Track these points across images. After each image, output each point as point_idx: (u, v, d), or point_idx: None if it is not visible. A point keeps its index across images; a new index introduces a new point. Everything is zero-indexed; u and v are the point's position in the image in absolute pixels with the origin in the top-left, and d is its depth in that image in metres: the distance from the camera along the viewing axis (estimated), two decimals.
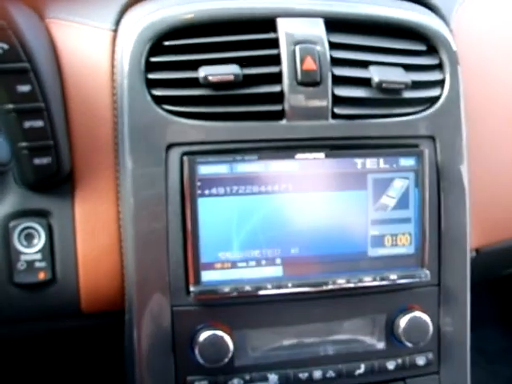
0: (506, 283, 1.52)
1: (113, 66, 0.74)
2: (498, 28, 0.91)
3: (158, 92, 0.73)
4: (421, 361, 0.81)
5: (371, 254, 0.77)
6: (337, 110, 0.76)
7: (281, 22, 0.75)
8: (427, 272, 0.78)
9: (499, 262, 1.00)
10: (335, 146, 0.76)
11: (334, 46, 0.76)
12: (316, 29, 0.76)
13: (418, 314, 0.78)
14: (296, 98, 0.74)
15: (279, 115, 0.74)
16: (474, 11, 0.90)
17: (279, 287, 0.74)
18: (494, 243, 0.89)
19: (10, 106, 0.66)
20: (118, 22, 0.76)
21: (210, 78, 0.72)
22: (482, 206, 0.85)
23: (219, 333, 0.73)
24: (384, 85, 0.76)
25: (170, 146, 0.72)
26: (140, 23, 0.73)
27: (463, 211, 0.81)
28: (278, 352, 0.77)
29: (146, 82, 0.72)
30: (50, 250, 0.73)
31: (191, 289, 0.73)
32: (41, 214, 0.73)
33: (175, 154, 0.73)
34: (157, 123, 0.72)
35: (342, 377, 0.78)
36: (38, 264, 0.72)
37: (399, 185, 0.77)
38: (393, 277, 0.76)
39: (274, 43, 0.75)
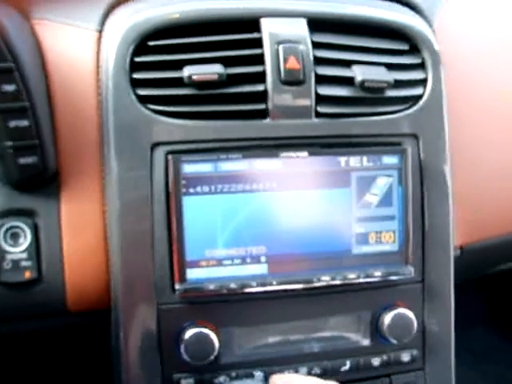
0: (493, 283, 1.53)
1: (98, 66, 0.75)
2: (481, 28, 0.92)
3: (142, 91, 0.73)
4: (406, 357, 0.81)
5: (356, 252, 0.77)
6: (320, 109, 0.76)
7: (264, 22, 0.76)
8: (411, 269, 0.78)
9: (484, 260, 1.01)
10: (319, 145, 0.77)
11: (317, 45, 0.77)
12: (299, 28, 0.76)
13: (402, 310, 0.79)
14: (280, 97, 0.75)
15: (263, 114, 0.75)
16: (457, 11, 0.91)
17: (264, 285, 0.74)
18: (477, 241, 0.90)
19: None
20: (103, 23, 0.77)
21: (194, 77, 0.72)
22: (465, 204, 0.86)
23: (205, 330, 0.73)
24: (367, 84, 0.76)
25: (154, 145, 0.73)
26: (125, 23, 0.74)
27: (446, 209, 0.82)
28: (263, 349, 0.78)
29: (130, 82, 0.73)
30: (35, 249, 0.73)
31: (176, 287, 0.73)
32: (26, 214, 0.73)
33: (160, 153, 0.73)
34: (141, 122, 0.73)
35: (327, 373, 0.78)
36: (23, 263, 0.72)
37: (383, 182, 0.77)
38: (377, 274, 0.77)
39: (258, 43, 0.75)
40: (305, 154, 0.75)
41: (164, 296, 0.74)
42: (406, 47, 0.81)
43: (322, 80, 0.76)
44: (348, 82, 0.77)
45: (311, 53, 0.76)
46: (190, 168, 0.72)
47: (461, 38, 0.89)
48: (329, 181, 0.76)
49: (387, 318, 0.78)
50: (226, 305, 0.76)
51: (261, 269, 0.75)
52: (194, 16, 0.75)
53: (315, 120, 0.76)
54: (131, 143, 0.73)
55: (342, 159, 0.76)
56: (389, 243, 0.78)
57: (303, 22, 0.77)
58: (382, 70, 0.78)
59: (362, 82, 0.76)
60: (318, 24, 0.78)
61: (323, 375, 0.78)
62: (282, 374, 0.71)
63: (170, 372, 0.75)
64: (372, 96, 0.78)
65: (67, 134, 0.73)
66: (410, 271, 0.78)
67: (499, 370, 1.50)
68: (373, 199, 0.77)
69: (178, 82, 0.73)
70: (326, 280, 0.76)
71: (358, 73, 0.77)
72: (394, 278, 0.78)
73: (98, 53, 0.75)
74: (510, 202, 0.91)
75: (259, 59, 0.75)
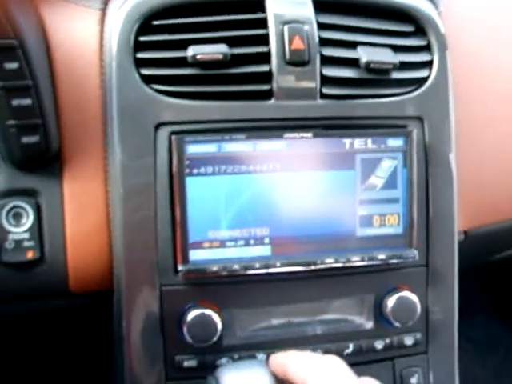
0: (494, 271, 1.53)
1: (101, 46, 0.74)
2: (487, 11, 0.91)
3: (146, 71, 0.72)
4: (409, 341, 0.81)
5: (359, 234, 0.77)
6: (325, 90, 0.76)
7: (269, 2, 0.75)
8: (415, 252, 0.78)
9: (488, 246, 1.01)
10: (323, 126, 0.76)
11: (322, 26, 0.76)
12: (304, 9, 0.76)
13: (405, 293, 0.79)
14: (284, 78, 0.74)
15: (267, 95, 0.75)
16: None
17: (267, 267, 0.74)
18: (482, 226, 0.90)
19: None
20: (106, 2, 0.76)
21: (199, 57, 0.72)
22: (469, 188, 0.86)
23: (207, 312, 0.73)
24: (372, 65, 0.76)
25: (158, 126, 0.72)
26: (128, 2, 0.73)
27: (451, 192, 0.81)
28: (266, 331, 0.78)
29: (134, 62, 0.72)
30: (38, 229, 0.72)
31: (179, 268, 0.73)
32: (29, 194, 0.72)
33: (164, 133, 0.73)
34: (145, 102, 0.72)
35: None
36: (26, 243, 0.72)
37: (387, 165, 0.77)
38: (381, 257, 0.77)
39: (263, 23, 0.75)
40: (309, 135, 0.75)
41: (167, 277, 0.74)
42: (411, 29, 0.81)
43: (327, 61, 0.76)
44: (353, 63, 0.77)
45: (316, 34, 0.75)
46: (193, 148, 0.72)
47: (467, 21, 0.89)
48: (333, 163, 0.75)
49: (391, 301, 0.78)
50: (228, 286, 0.75)
51: (264, 250, 0.75)
52: None
53: (320, 101, 0.76)
54: (135, 123, 0.72)
55: (347, 141, 0.75)
56: (393, 226, 0.78)
57: (309, 2, 0.76)
58: (388, 51, 0.78)
59: (368, 64, 0.76)
60: (323, 5, 0.77)
61: None
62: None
63: (173, 353, 0.75)
64: (377, 78, 0.78)
65: (70, 113, 0.73)
66: (414, 254, 0.78)
67: (499, 359, 1.51)
68: (377, 182, 0.77)
69: (183, 62, 0.72)
70: (329, 262, 0.76)
71: (364, 54, 0.76)
72: (397, 261, 0.78)
73: (101, 32, 0.75)
74: None
75: (264, 39, 0.75)
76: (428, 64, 0.81)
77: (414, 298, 0.79)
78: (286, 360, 0.67)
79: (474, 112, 0.87)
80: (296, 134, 0.74)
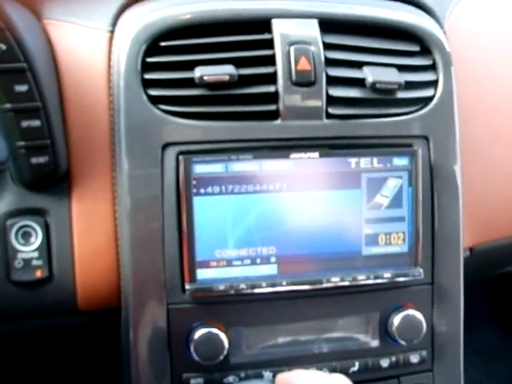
0: (502, 283, 1.52)
1: (109, 67, 0.75)
2: (492, 30, 0.91)
3: (154, 92, 0.73)
4: (414, 359, 0.81)
5: (365, 253, 0.77)
6: (331, 110, 0.76)
7: (276, 23, 0.76)
8: (421, 270, 0.78)
9: (493, 261, 1.01)
10: (329, 146, 0.77)
11: (328, 46, 0.77)
12: (310, 30, 0.76)
13: (411, 312, 0.79)
14: (291, 98, 0.75)
15: (274, 115, 0.75)
16: (468, 13, 0.91)
17: (274, 285, 0.75)
18: (487, 242, 0.90)
19: (8, 105, 0.66)
20: (114, 23, 0.77)
21: (206, 77, 0.72)
22: (475, 206, 0.86)
23: (214, 330, 0.74)
24: (378, 85, 0.76)
25: (165, 146, 0.73)
26: (136, 24, 0.74)
27: (456, 210, 0.82)
28: (272, 350, 0.78)
29: (142, 82, 0.73)
30: (46, 248, 0.73)
31: (187, 287, 0.73)
32: (38, 213, 0.73)
33: (171, 153, 0.73)
34: (153, 123, 0.73)
35: None
36: (34, 262, 0.73)
37: (393, 184, 0.77)
38: (387, 275, 0.77)
39: (269, 44, 0.75)
40: (315, 154, 0.75)
41: (174, 296, 0.74)
42: (417, 48, 0.81)
43: (333, 81, 0.76)
44: (359, 83, 0.77)
45: (322, 54, 0.76)
46: (200, 168, 0.73)
47: (472, 40, 0.89)
48: (339, 182, 0.76)
49: (396, 320, 0.79)
50: (235, 305, 0.76)
51: (271, 269, 0.75)
52: (205, 16, 0.75)
53: (326, 121, 0.76)
54: (142, 143, 0.73)
55: (353, 160, 0.76)
56: (398, 244, 0.78)
57: (315, 23, 0.77)
58: (393, 71, 0.78)
59: (373, 84, 0.76)
60: (329, 25, 0.78)
61: None
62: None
63: (180, 372, 0.76)
64: (383, 97, 0.78)
65: (79, 133, 0.74)
66: (420, 273, 0.78)
67: (506, 370, 1.50)
68: (383, 200, 0.77)
69: (190, 83, 0.73)
70: (335, 281, 0.76)
71: (369, 74, 0.77)
72: (403, 279, 0.78)
73: (109, 53, 0.75)
74: None
75: (270, 60, 0.75)
76: (433, 83, 0.81)
77: (419, 316, 0.79)
78: (293, 378, 0.68)
79: (479, 129, 0.87)
80: (302, 154, 0.75)
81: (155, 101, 0.73)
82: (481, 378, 1.47)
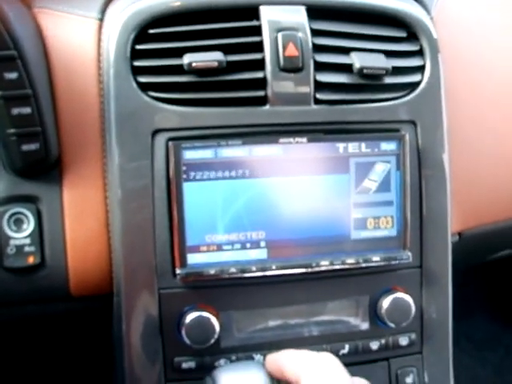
0: (493, 270, 1.54)
1: (99, 54, 0.76)
2: (480, 16, 0.92)
3: (143, 79, 0.74)
4: (404, 341, 0.82)
5: (354, 237, 0.78)
6: (319, 96, 0.77)
7: (264, 10, 0.77)
8: (409, 254, 0.79)
9: (482, 247, 1.02)
10: (318, 131, 0.77)
11: (315, 32, 0.77)
12: (298, 16, 0.77)
13: (400, 295, 0.80)
14: (279, 84, 0.76)
15: (262, 101, 0.76)
16: (456, 0, 0.92)
17: (264, 269, 0.75)
18: (476, 227, 0.91)
19: None
20: (103, 11, 0.77)
21: (195, 64, 0.73)
22: (462, 190, 0.87)
23: (205, 314, 0.74)
24: (365, 71, 0.77)
25: (155, 132, 0.74)
26: (125, 12, 0.75)
27: (444, 194, 0.82)
28: (263, 333, 0.79)
29: (131, 69, 0.74)
30: (39, 234, 0.74)
31: (177, 271, 0.74)
32: (30, 200, 0.74)
33: (161, 139, 0.74)
34: (142, 109, 0.74)
35: None
36: (27, 248, 0.73)
37: (381, 168, 0.78)
38: (375, 259, 0.78)
39: (257, 30, 0.76)
40: (304, 140, 0.76)
41: (165, 281, 0.75)
42: (404, 34, 0.82)
43: (320, 67, 0.77)
44: (347, 68, 0.78)
45: (310, 40, 0.76)
46: (190, 154, 0.73)
47: (459, 26, 0.90)
48: (328, 167, 0.77)
49: (385, 303, 0.79)
50: (226, 289, 0.77)
51: (260, 254, 0.76)
52: (193, 4, 0.76)
53: (314, 107, 0.77)
54: (132, 130, 0.73)
55: (341, 145, 0.77)
56: (387, 228, 0.79)
57: (302, 9, 0.78)
58: (381, 57, 0.79)
59: (361, 69, 0.77)
60: (316, 12, 0.78)
61: None
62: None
63: (171, 355, 0.77)
64: (370, 83, 0.79)
65: (69, 121, 0.74)
66: (408, 256, 0.79)
67: (498, 357, 1.52)
68: (371, 185, 0.78)
69: (179, 70, 0.74)
70: (324, 265, 0.77)
71: (357, 60, 0.78)
72: (392, 262, 0.79)
73: (99, 41, 0.76)
74: (508, 188, 0.91)
75: (258, 46, 0.76)
76: (420, 69, 0.82)
77: (408, 298, 0.80)
78: (282, 358, 0.69)
79: (466, 114, 0.88)
80: (291, 139, 0.76)
81: (145, 88, 0.74)
82: (474, 365, 1.49)
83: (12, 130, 0.69)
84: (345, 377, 0.64)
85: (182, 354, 0.76)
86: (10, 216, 0.73)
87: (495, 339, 1.54)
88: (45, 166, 0.73)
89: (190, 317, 0.74)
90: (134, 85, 0.74)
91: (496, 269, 1.53)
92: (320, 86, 0.77)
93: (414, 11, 0.83)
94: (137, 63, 0.74)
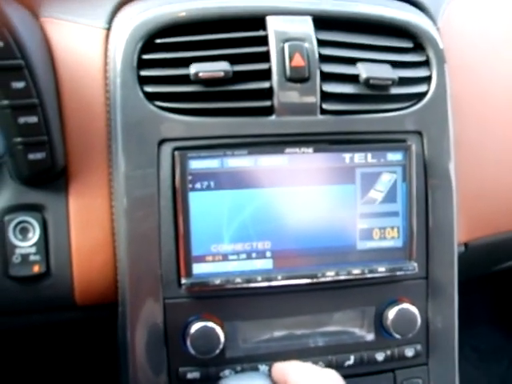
0: (499, 281, 1.53)
1: (106, 64, 0.76)
2: (486, 26, 0.92)
3: (150, 88, 0.74)
4: (409, 352, 0.82)
5: (360, 247, 0.78)
6: (325, 106, 0.77)
7: (270, 20, 0.77)
8: (415, 265, 0.79)
9: (488, 257, 1.02)
10: (324, 141, 0.78)
11: (322, 43, 0.77)
12: (304, 26, 0.77)
13: (406, 306, 0.79)
14: (285, 94, 0.76)
15: (268, 111, 0.76)
16: (462, 10, 0.92)
17: (269, 280, 0.75)
18: (482, 238, 0.91)
19: (5, 102, 0.67)
20: (111, 21, 0.78)
21: (201, 74, 0.73)
22: (469, 201, 0.87)
23: (210, 324, 0.74)
24: (371, 81, 0.77)
25: (161, 142, 0.74)
26: (132, 22, 0.75)
27: (450, 205, 0.82)
28: (268, 344, 0.79)
29: (138, 79, 0.74)
30: (44, 243, 0.74)
31: (183, 281, 0.74)
32: (35, 209, 0.74)
33: (167, 149, 0.74)
34: (149, 119, 0.74)
35: (331, 368, 0.78)
36: (32, 257, 0.73)
37: (387, 179, 0.78)
38: (381, 269, 0.78)
39: (264, 41, 0.76)
40: (310, 150, 0.76)
41: (170, 290, 0.75)
42: (410, 45, 0.82)
43: (327, 77, 0.77)
44: (353, 79, 0.78)
45: (316, 50, 0.77)
46: (196, 164, 0.73)
47: (465, 36, 0.90)
48: (333, 177, 0.77)
49: (391, 314, 0.79)
50: (231, 299, 0.76)
51: (266, 264, 0.76)
52: (200, 14, 0.76)
53: (320, 117, 0.77)
54: (138, 140, 0.74)
55: (347, 156, 0.77)
56: (393, 239, 0.79)
57: (309, 20, 0.78)
58: (387, 67, 0.79)
59: (367, 80, 0.77)
60: (323, 22, 0.78)
61: None
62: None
63: (176, 365, 0.76)
64: (377, 93, 0.79)
65: (75, 130, 0.74)
66: (414, 267, 0.79)
67: (503, 369, 1.51)
68: (377, 195, 0.78)
69: (185, 79, 0.74)
70: (330, 275, 0.77)
71: (363, 70, 0.78)
72: (397, 273, 0.79)
73: (105, 50, 0.76)
74: None
75: (265, 57, 0.76)
76: (427, 79, 0.82)
77: (414, 310, 0.80)
78: (288, 370, 0.68)
79: (473, 125, 0.88)
80: (297, 150, 0.76)
81: (151, 97, 0.74)
82: (478, 376, 1.48)
83: (19, 139, 0.69)
84: None
85: (187, 365, 0.76)
86: (16, 225, 0.73)
87: (500, 350, 1.53)
88: (51, 175, 0.73)
89: (195, 327, 0.74)
90: (141, 94, 0.74)
91: (502, 278, 1.52)
92: (326, 97, 0.77)
93: (421, 22, 0.83)
94: (143, 73, 0.74)
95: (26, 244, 0.73)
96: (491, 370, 1.49)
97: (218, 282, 0.74)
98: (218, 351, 0.75)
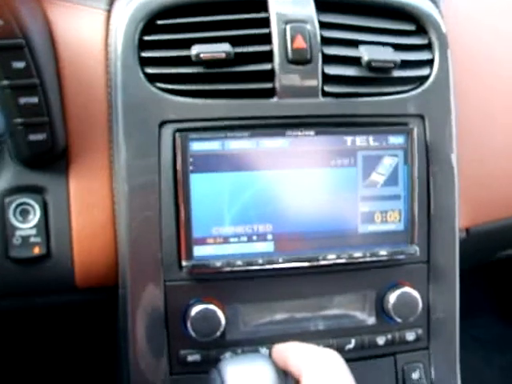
0: (501, 271, 1.53)
1: (107, 45, 0.75)
2: (488, 10, 0.92)
3: (151, 70, 0.74)
4: (410, 336, 0.82)
5: (361, 231, 0.78)
6: (327, 89, 0.77)
7: (272, 2, 0.76)
8: (416, 248, 0.79)
9: (490, 244, 1.01)
10: (325, 124, 0.77)
11: (324, 25, 0.77)
12: (306, 8, 0.77)
13: (407, 289, 0.79)
14: (286, 76, 0.75)
15: (270, 93, 0.76)
16: None
17: (270, 262, 0.75)
18: (483, 224, 0.91)
19: (5, 82, 0.67)
20: (111, 2, 0.77)
21: (202, 55, 0.73)
22: (470, 186, 0.87)
23: (211, 307, 0.74)
24: (373, 63, 0.77)
25: (162, 123, 0.74)
26: (133, 3, 0.74)
27: (452, 189, 0.82)
28: (269, 327, 0.78)
29: (139, 60, 0.74)
30: (44, 225, 0.74)
31: (183, 263, 0.74)
32: (36, 190, 0.74)
33: (168, 130, 0.74)
34: (150, 101, 0.73)
35: None
36: (32, 239, 0.73)
37: (388, 162, 0.78)
38: (382, 253, 0.78)
39: (265, 22, 0.76)
40: (311, 132, 0.76)
41: (171, 273, 0.75)
42: (413, 28, 0.82)
43: (329, 60, 0.77)
44: (355, 61, 0.78)
45: (318, 32, 0.76)
46: (197, 146, 0.73)
47: (468, 19, 0.90)
48: (335, 160, 0.76)
49: (392, 297, 0.79)
50: (232, 282, 0.76)
51: (267, 246, 0.76)
52: None
53: (322, 99, 0.77)
54: (139, 121, 0.73)
55: (349, 138, 0.76)
56: (394, 222, 0.79)
57: (310, 1, 0.77)
58: (389, 50, 0.79)
59: (369, 62, 0.77)
60: (325, 4, 0.78)
61: None
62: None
63: (177, 348, 0.76)
64: (379, 76, 0.79)
65: (76, 111, 0.74)
66: (415, 251, 0.79)
67: (505, 358, 1.51)
68: (379, 178, 0.78)
69: (186, 61, 0.74)
70: (331, 258, 0.76)
71: (365, 53, 0.77)
72: (399, 257, 0.79)
73: (106, 32, 0.76)
74: None
75: (266, 38, 0.76)
76: (429, 62, 0.82)
77: (415, 293, 0.79)
78: (287, 350, 0.68)
79: (475, 109, 0.87)
80: (298, 132, 0.75)
81: (152, 79, 0.74)
82: (480, 365, 1.48)
83: (19, 120, 0.69)
84: (346, 375, 0.63)
85: (188, 347, 0.76)
86: (16, 206, 0.73)
87: (502, 340, 1.53)
88: (51, 157, 0.73)
89: (196, 309, 0.74)
90: (142, 76, 0.73)
91: (504, 268, 1.52)
92: (328, 79, 0.77)
93: (423, 5, 0.83)
94: (144, 54, 0.74)
95: (26, 226, 0.73)
96: (494, 360, 1.49)
97: (218, 264, 0.74)
98: (218, 334, 0.74)
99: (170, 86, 0.74)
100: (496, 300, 1.58)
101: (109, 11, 0.77)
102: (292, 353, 0.67)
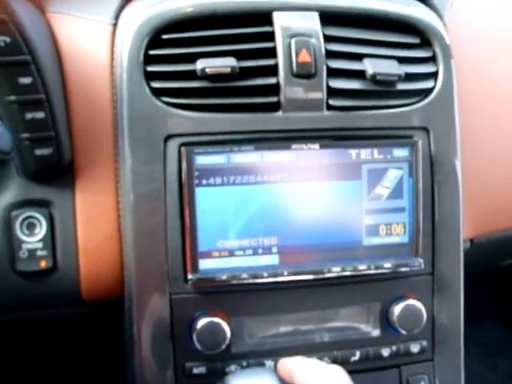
0: (504, 276, 1.53)
1: (112, 59, 0.76)
2: (492, 22, 0.92)
3: (156, 84, 0.74)
4: (415, 348, 0.82)
5: (366, 243, 0.78)
6: (332, 102, 0.77)
7: (277, 16, 0.77)
8: (421, 261, 0.79)
9: (494, 253, 1.02)
10: (330, 137, 0.77)
11: (328, 39, 0.77)
12: (311, 22, 0.77)
13: (412, 301, 0.79)
14: (292, 90, 0.76)
15: (275, 107, 0.76)
16: (468, 6, 0.92)
17: (275, 275, 0.75)
18: (487, 233, 0.91)
19: (12, 97, 0.67)
20: (117, 17, 0.78)
21: (208, 70, 0.73)
22: (475, 197, 0.87)
23: (216, 320, 0.74)
24: (378, 77, 0.77)
25: (168, 138, 0.74)
26: (139, 17, 0.75)
27: (457, 201, 0.82)
28: (274, 339, 0.79)
29: (144, 75, 0.74)
30: (51, 238, 0.74)
31: (189, 277, 0.74)
32: (42, 204, 0.74)
33: (173, 145, 0.74)
34: (155, 115, 0.74)
35: (337, 363, 0.78)
36: (39, 252, 0.74)
37: (393, 175, 0.78)
38: (387, 265, 0.78)
39: (270, 36, 0.76)
40: (316, 146, 0.76)
41: (176, 286, 0.75)
42: (417, 41, 0.82)
43: (333, 73, 0.77)
44: (359, 75, 0.78)
45: (323, 46, 0.76)
46: (202, 160, 0.73)
47: (472, 32, 0.90)
48: (340, 173, 0.77)
49: (397, 309, 0.79)
50: (237, 295, 0.77)
51: (272, 259, 0.76)
52: (207, 9, 0.76)
53: (327, 113, 0.77)
54: (145, 135, 0.74)
55: (353, 152, 0.77)
56: (399, 235, 0.79)
57: (315, 15, 0.78)
58: (394, 63, 0.79)
59: (374, 75, 0.77)
60: (329, 18, 0.78)
61: None
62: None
63: (182, 361, 0.76)
64: (383, 89, 0.79)
65: (82, 125, 0.75)
66: (420, 263, 0.79)
67: (508, 364, 1.51)
68: (383, 191, 0.78)
69: (192, 75, 0.74)
70: (336, 271, 0.77)
71: (370, 66, 0.77)
72: (403, 269, 0.79)
73: (112, 46, 0.76)
74: None
75: (271, 52, 0.76)
76: (433, 75, 0.82)
77: (419, 305, 0.80)
78: (294, 366, 0.69)
79: (479, 121, 0.88)
80: (303, 145, 0.76)
81: (158, 93, 0.74)
82: (483, 371, 1.48)
83: (25, 135, 0.69)
84: None
85: (193, 360, 0.76)
86: (23, 220, 0.73)
87: (505, 345, 1.53)
88: (58, 171, 0.74)
89: (201, 322, 0.74)
90: (147, 90, 0.74)
91: (507, 274, 1.52)
92: (333, 92, 0.77)
93: (427, 17, 0.83)
94: (150, 68, 0.74)
95: (32, 239, 0.74)
96: (497, 366, 1.49)
97: (224, 277, 0.74)
98: (224, 346, 0.75)
99: (175, 101, 0.74)
100: (499, 305, 1.58)
101: (114, 25, 0.77)
102: (298, 368, 0.67)
